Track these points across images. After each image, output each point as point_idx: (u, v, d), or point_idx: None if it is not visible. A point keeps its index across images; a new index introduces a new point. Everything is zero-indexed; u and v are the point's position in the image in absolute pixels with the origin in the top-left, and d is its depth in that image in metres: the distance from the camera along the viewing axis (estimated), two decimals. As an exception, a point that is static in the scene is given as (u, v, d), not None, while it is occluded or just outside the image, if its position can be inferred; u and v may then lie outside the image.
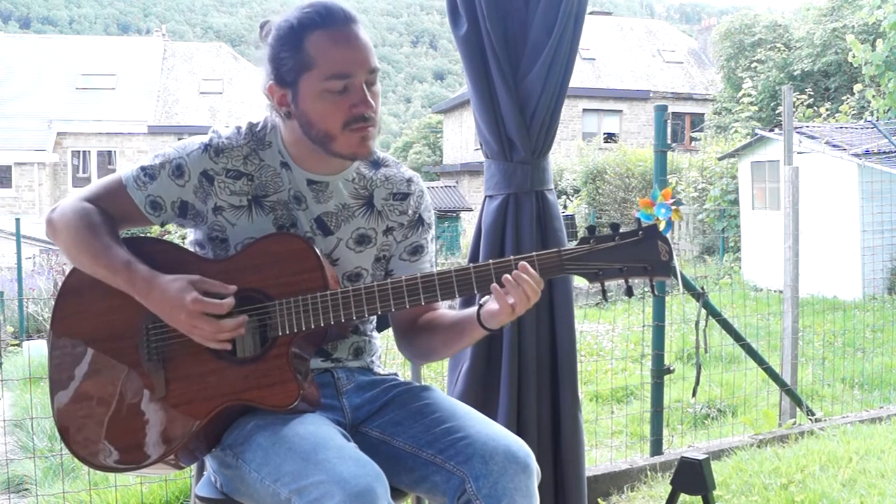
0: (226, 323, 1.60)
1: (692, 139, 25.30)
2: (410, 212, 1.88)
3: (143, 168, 1.75)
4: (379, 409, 1.82)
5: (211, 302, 1.60)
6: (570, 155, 22.45)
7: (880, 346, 6.48)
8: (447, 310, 1.87)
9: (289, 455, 1.55)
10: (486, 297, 1.67)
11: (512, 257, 1.62)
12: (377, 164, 1.87)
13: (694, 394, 3.28)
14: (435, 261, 1.96)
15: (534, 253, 1.60)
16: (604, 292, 1.61)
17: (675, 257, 1.63)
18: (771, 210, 11.77)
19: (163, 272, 1.70)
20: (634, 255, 1.57)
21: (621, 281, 1.60)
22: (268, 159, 1.77)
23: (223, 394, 1.64)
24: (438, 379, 5.20)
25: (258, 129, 1.79)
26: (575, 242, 1.60)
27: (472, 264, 1.63)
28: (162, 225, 1.82)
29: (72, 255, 1.72)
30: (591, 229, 1.59)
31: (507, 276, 1.59)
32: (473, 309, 1.71)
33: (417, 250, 1.90)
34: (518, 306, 1.60)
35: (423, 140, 44.12)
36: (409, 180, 1.89)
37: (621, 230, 1.58)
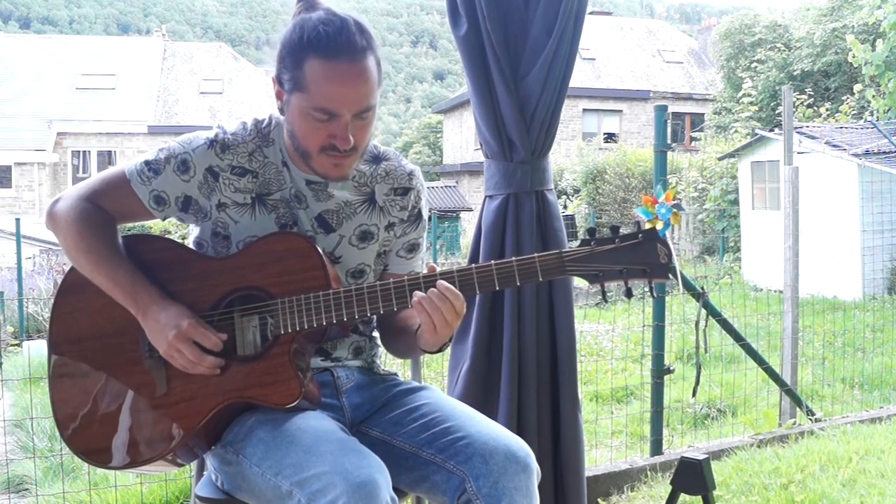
0: (207, 358, 1.63)
1: (692, 139, 25.30)
2: (410, 206, 1.89)
3: (146, 162, 1.75)
4: (379, 409, 1.82)
5: (204, 332, 1.62)
6: (570, 155, 22.46)
7: (880, 346, 6.48)
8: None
9: (290, 448, 1.56)
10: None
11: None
12: (377, 158, 1.87)
13: (694, 394, 3.27)
14: (434, 260, 1.97)
15: (535, 254, 1.60)
16: (603, 293, 1.61)
17: (674, 257, 1.64)
18: (771, 210, 11.77)
19: (164, 270, 1.70)
20: (634, 257, 1.58)
21: (621, 282, 1.61)
22: (271, 156, 1.78)
23: (225, 391, 1.64)
24: (438, 379, 5.20)
25: (263, 125, 1.79)
26: (576, 244, 1.61)
27: (473, 265, 1.63)
28: (163, 219, 1.82)
29: (71, 256, 1.73)
30: (591, 231, 1.60)
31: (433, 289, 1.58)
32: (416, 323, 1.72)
33: (414, 248, 1.92)
34: (437, 322, 1.59)
35: (423, 140, 44.17)
36: (411, 174, 1.89)
37: (621, 232, 1.59)
